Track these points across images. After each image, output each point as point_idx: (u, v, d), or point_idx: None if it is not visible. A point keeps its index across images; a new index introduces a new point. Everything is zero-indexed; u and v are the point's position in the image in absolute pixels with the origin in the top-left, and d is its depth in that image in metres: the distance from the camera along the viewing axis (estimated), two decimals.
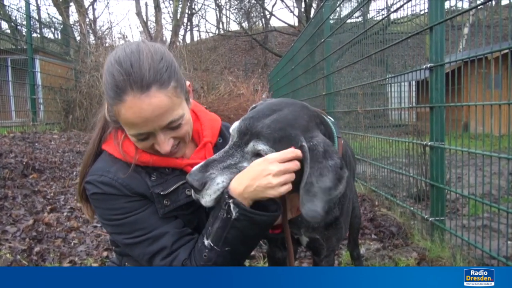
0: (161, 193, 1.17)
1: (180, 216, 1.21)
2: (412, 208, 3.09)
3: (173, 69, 1.14)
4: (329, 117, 1.34)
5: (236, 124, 1.11)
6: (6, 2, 12.67)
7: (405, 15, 3.42)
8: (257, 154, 1.05)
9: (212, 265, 1.10)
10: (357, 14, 4.40)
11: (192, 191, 1.08)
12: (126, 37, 11.55)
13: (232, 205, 1.03)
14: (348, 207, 1.39)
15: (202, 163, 1.07)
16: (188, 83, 1.24)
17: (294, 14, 24.46)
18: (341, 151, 1.20)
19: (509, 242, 2.30)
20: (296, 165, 1.03)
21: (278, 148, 1.03)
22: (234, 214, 1.03)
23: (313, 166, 1.02)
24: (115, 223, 1.17)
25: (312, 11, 19.52)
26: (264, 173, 1.01)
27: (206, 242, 1.10)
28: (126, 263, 1.32)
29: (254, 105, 1.22)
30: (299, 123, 1.08)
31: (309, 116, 1.12)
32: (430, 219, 2.70)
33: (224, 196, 1.04)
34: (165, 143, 1.11)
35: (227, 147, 1.10)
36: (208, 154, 1.25)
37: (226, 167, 1.05)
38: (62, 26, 13.99)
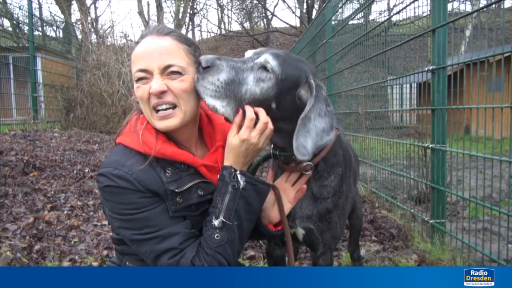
0: (176, 190, 1.18)
1: (189, 217, 1.22)
2: (412, 210, 3.09)
3: (194, 44, 1.26)
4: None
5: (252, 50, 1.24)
6: (8, 0, 12.65)
7: (407, 17, 3.43)
8: (264, 68, 1.14)
9: (224, 244, 1.14)
10: (359, 15, 4.41)
11: (196, 74, 1.16)
12: (128, 36, 11.58)
13: (239, 175, 1.16)
14: (344, 204, 1.39)
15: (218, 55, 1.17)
16: None
17: (296, 15, 24.49)
18: (335, 141, 1.29)
19: (509, 245, 2.30)
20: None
21: (285, 68, 1.14)
22: (242, 183, 1.15)
23: (315, 104, 1.11)
24: (125, 218, 1.17)
25: (314, 12, 19.50)
26: (247, 145, 1.16)
27: (216, 222, 1.15)
28: (127, 263, 1.31)
29: None
30: (310, 67, 1.21)
31: (315, 75, 1.22)
32: (431, 221, 2.70)
33: (230, 170, 1.16)
34: (157, 82, 1.16)
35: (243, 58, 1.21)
36: (220, 158, 1.28)
37: (234, 67, 1.14)
38: (64, 25, 13.97)
